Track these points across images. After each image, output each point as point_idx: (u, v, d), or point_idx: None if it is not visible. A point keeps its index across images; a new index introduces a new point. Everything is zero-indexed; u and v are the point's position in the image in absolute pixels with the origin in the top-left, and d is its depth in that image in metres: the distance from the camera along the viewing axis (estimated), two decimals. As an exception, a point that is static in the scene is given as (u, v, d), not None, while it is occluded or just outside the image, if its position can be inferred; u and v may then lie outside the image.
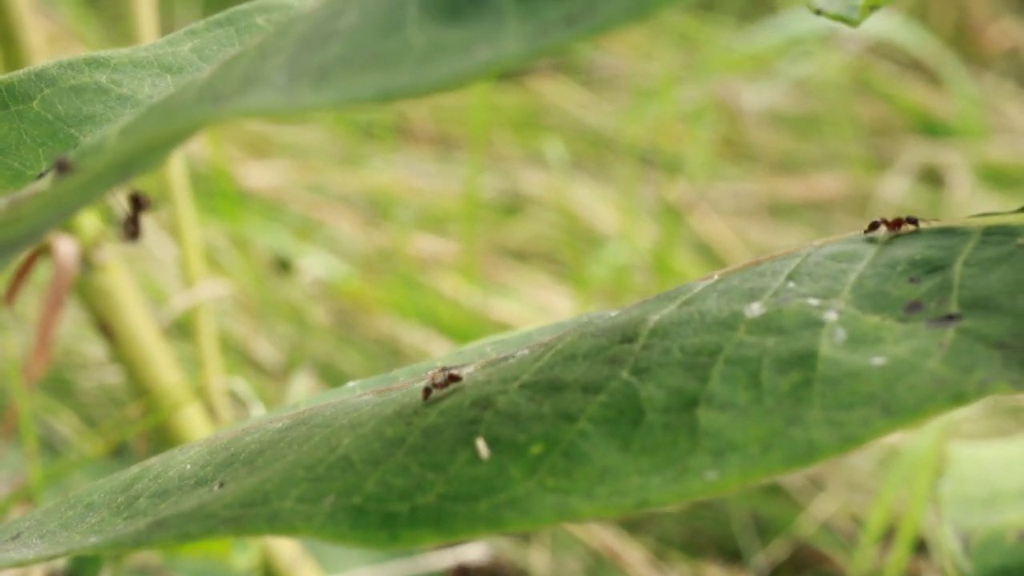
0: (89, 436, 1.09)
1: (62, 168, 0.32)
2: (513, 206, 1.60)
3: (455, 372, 0.41)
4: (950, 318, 0.38)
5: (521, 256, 1.51)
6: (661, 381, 0.38)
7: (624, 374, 0.39)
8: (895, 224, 0.44)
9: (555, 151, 1.57)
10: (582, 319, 0.48)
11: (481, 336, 1.22)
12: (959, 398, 0.35)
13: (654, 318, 0.41)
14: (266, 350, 1.18)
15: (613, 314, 0.44)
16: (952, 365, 0.36)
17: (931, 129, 1.87)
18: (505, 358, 0.44)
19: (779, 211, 1.74)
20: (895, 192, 1.70)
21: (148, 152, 0.31)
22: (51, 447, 1.11)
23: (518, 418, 0.39)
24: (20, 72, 0.46)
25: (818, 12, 0.53)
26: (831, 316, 0.39)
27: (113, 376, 1.11)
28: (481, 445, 0.38)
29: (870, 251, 0.42)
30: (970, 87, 1.86)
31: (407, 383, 0.46)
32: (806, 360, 0.38)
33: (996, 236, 0.41)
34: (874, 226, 0.44)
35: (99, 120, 0.45)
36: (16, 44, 0.79)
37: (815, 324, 0.39)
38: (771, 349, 0.38)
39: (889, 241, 0.43)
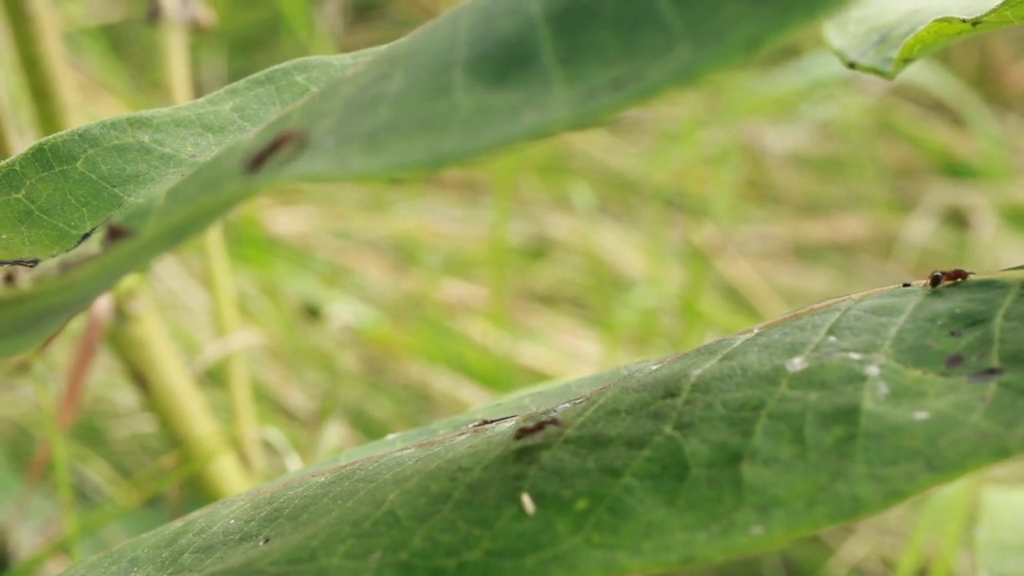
0: (121, 484, 1.09)
1: (114, 235, 0.33)
2: (539, 250, 1.61)
3: (548, 418, 0.41)
4: (991, 372, 0.38)
5: (548, 300, 1.51)
6: (705, 436, 0.39)
7: (668, 429, 0.39)
8: (954, 276, 0.44)
9: (581, 195, 1.58)
10: (621, 371, 0.49)
11: (510, 382, 1.22)
12: (1003, 452, 0.36)
13: (696, 372, 0.41)
14: (297, 397, 1.19)
15: (653, 367, 0.44)
16: (995, 419, 0.37)
17: (955, 170, 1.87)
18: (546, 411, 0.45)
19: (804, 253, 1.74)
20: (919, 234, 1.70)
21: (198, 219, 0.31)
22: (83, 495, 1.12)
23: (563, 473, 0.39)
24: (64, 133, 0.47)
25: (851, 65, 0.53)
26: (873, 370, 0.39)
27: (145, 424, 1.12)
28: (527, 500, 0.38)
29: (910, 304, 0.42)
30: (993, 128, 1.87)
31: (448, 436, 0.47)
32: (849, 415, 0.38)
33: (1035, 289, 0.41)
34: (936, 280, 0.44)
35: (142, 180, 0.45)
36: (50, 99, 0.79)
37: (857, 379, 0.39)
38: (814, 404, 0.38)
39: (929, 294, 0.43)
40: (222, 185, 0.33)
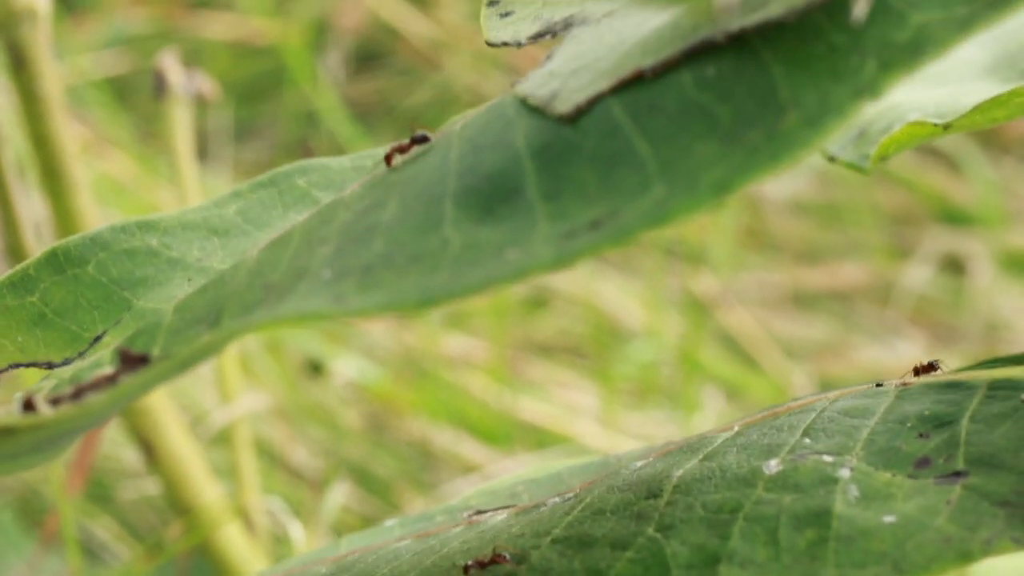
0: (128, 541, 1.11)
1: (126, 360, 0.35)
2: (539, 300, 1.62)
3: (499, 554, 0.43)
4: (957, 475, 0.40)
5: (548, 350, 1.53)
6: (685, 538, 0.41)
7: (650, 530, 0.41)
8: (927, 369, 0.47)
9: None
10: (610, 461, 0.51)
11: (510, 438, 1.24)
12: (965, 556, 0.38)
13: (677, 473, 0.43)
14: (301, 454, 1.21)
15: (638, 464, 0.46)
16: (958, 523, 0.39)
17: (952, 216, 1.89)
18: (537, 506, 0.47)
19: (803, 301, 1.76)
20: (917, 281, 1.72)
21: (205, 351, 0.33)
22: (89, 551, 1.14)
23: (550, 574, 0.41)
24: (76, 237, 0.49)
25: (831, 159, 0.55)
26: (844, 473, 0.41)
27: (152, 485, 1.13)
28: (516, 600, 0.41)
29: (881, 406, 0.44)
30: (990, 173, 1.89)
31: (444, 527, 0.49)
32: (821, 518, 0.40)
33: (1001, 391, 0.43)
34: (917, 372, 0.47)
35: (151, 283, 0.48)
36: (61, 177, 0.81)
37: (830, 481, 0.41)
38: (788, 507, 0.40)
39: (900, 395, 0.45)
40: (224, 316, 0.35)
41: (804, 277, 1.78)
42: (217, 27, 1.99)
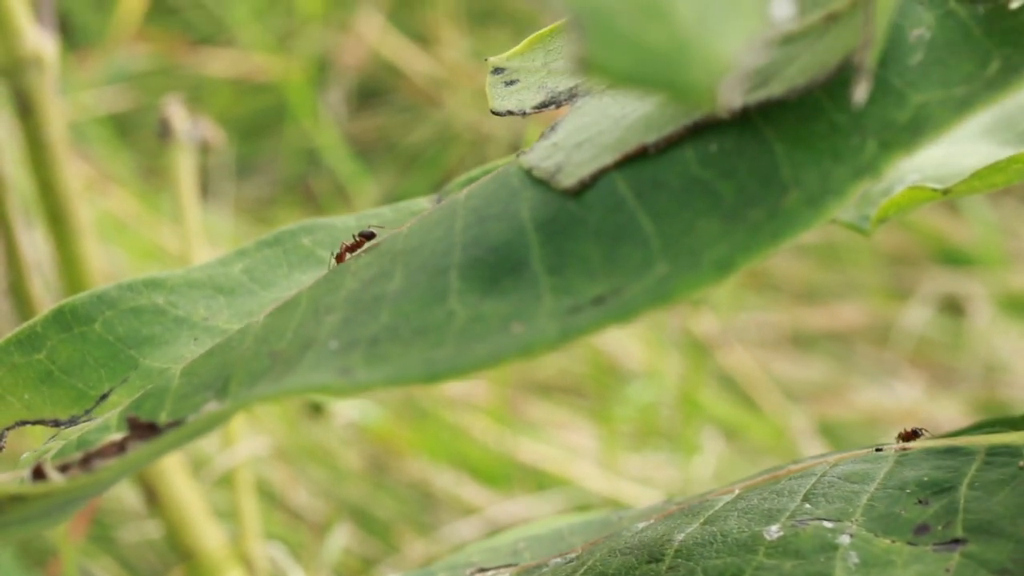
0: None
1: (135, 428, 0.35)
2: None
3: None
4: (956, 542, 0.41)
5: (547, 390, 1.53)
6: (686, 604, 0.41)
7: (651, 595, 0.42)
8: (910, 435, 0.47)
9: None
10: (611, 520, 0.51)
11: (510, 480, 1.25)
12: (963, 626, 0.38)
13: (679, 537, 0.44)
14: (302, 496, 1.21)
15: (639, 526, 0.46)
16: (957, 592, 0.39)
17: (951, 258, 1.90)
18: (539, 566, 0.47)
19: (802, 342, 1.76)
20: (916, 322, 1.73)
21: (215, 422, 0.34)
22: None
23: (552, 638, 0.42)
24: (83, 295, 0.49)
25: (833, 220, 0.56)
26: (845, 540, 0.42)
27: (154, 527, 1.14)
28: (518, 664, 0.41)
29: (881, 471, 0.45)
30: (989, 214, 1.89)
31: (447, 586, 0.49)
32: (821, 585, 0.40)
33: (999, 457, 0.44)
34: (906, 437, 0.47)
35: (157, 342, 0.48)
36: (65, 223, 0.82)
37: (830, 548, 0.41)
38: (789, 573, 0.41)
39: (899, 460, 0.45)
40: (231, 383, 0.35)
41: (803, 318, 1.79)
42: (219, 64, 2.00)
